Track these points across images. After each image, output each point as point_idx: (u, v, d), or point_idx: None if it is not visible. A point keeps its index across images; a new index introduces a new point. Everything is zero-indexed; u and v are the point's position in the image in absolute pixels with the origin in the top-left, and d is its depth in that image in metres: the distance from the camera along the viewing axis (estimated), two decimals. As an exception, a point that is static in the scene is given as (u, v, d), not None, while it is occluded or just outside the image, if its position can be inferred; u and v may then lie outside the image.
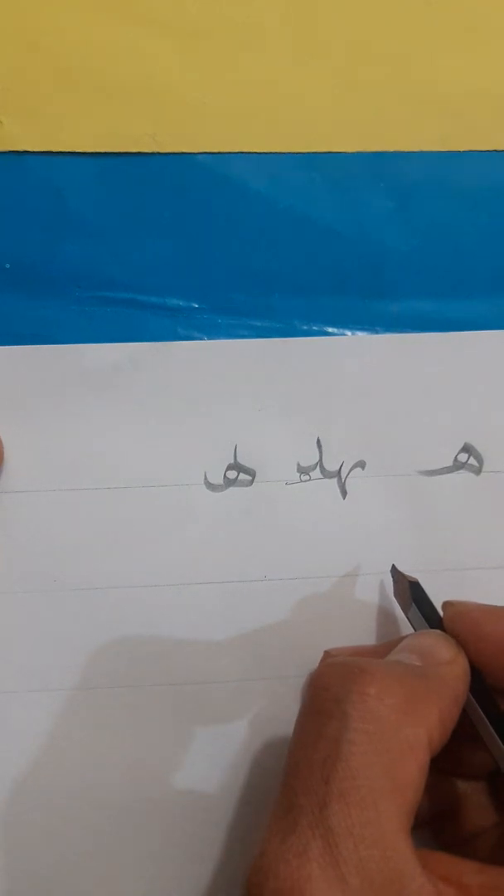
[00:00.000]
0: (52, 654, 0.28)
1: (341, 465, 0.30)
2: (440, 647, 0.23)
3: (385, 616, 0.28)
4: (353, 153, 0.31)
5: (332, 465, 0.30)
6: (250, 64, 0.31)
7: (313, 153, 0.31)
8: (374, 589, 0.28)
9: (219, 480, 0.29)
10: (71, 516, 0.29)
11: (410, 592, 0.25)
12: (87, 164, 0.31)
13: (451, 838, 0.24)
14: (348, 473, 0.29)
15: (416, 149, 0.31)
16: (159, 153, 0.31)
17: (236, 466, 0.29)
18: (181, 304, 0.31)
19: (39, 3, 0.31)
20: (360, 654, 0.25)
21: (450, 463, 0.30)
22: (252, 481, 0.29)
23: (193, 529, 0.29)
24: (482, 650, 0.23)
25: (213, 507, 0.29)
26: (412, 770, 0.19)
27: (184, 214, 0.31)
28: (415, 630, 0.25)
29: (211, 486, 0.29)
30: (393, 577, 0.27)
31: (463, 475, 0.30)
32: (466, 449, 0.30)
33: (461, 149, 0.31)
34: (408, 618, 0.26)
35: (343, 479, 0.29)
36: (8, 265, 0.31)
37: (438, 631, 0.24)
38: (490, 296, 0.31)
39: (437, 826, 0.25)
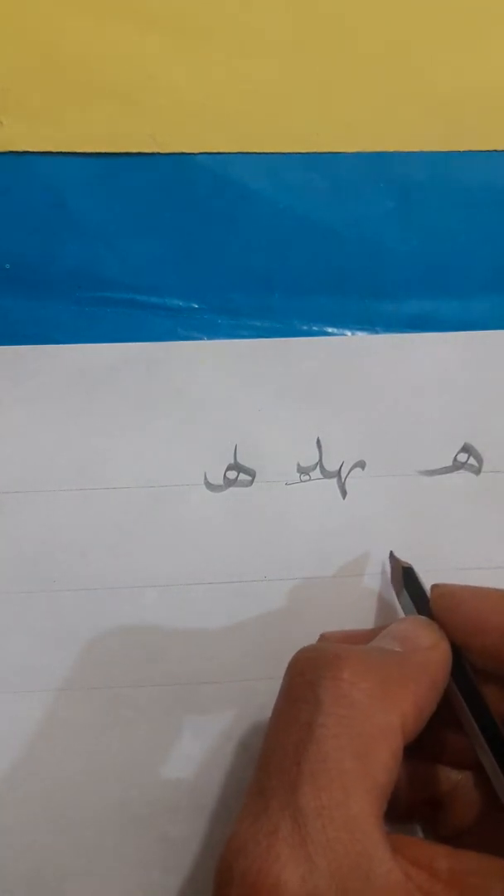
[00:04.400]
0: (51, 655, 0.28)
1: (341, 465, 0.30)
2: (421, 632, 0.23)
3: (385, 616, 0.28)
4: (353, 153, 0.31)
5: (332, 465, 0.30)
6: (250, 64, 0.31)
7: (313, 153, 0.31)
8: (374, 588, 0.28)
9: (219, 481, 0.29)
10: (71, 516, 0.29)
11: (402, 577, 0.26)
12: (87, 164, 0.31)
13: (443, 829, 0.24)
14: (348, 473, 0.29)
15: (416, 149, 0.31)
16: (159, 153, 0.31)
17: (236, 466, 0.29)
18: (181, 304, 0.31)
19: (40, 3, 0.31)
20: (353, 638, 0.25)
21: (450, 463, 0.30)
22: (252, 481, 0.29)
23: (193, 529, 0.29)
24: (467, 631, 0.23)
25: (213, 507, 0.29)
26: (384, 754, 0.19)
27: (184, 214, 0.31)
28: (405, 615, 0.25)
29: (211, 487, 0.29)
30: (390, 563, 0.28)
31: (463, 475, 0.30)
32: (466, 449, 0.30)
33: (461, 149, 0.31)
34: (399, 603, 0.26)
35: (343, 479, 0.29)
36: (8, 265, 0.31)
37: (422, 617, 0.24)
38: (490, 296, 0.31)
39: (427, 816, 0.25)
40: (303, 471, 0.29)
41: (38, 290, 0.30)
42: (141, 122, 0.31)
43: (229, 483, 0.29)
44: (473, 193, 0.31)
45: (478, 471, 0.30)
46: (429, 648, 0.22)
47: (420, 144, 0.31)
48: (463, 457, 0.30)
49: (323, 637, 0.26)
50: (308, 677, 0.20)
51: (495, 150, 0.31)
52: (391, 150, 0.31)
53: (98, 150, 0.31)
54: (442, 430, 0.30)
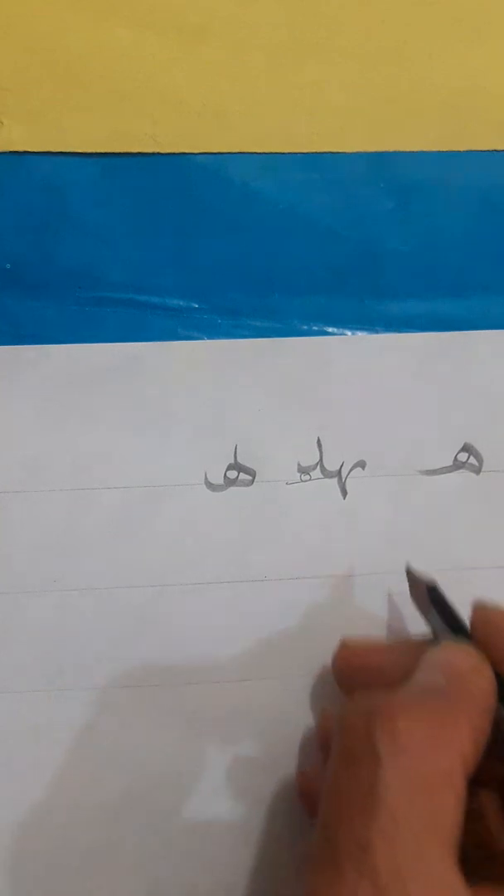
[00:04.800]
0: (52, 655, 0.28)
1: (341, 465, 0.30)
2: (463, 661, 0.22)
3: (386, 615, 0.28)
4: (353, 153, 0.31)
5: (332, 465, 0.30)
6: (250, 64, 0.31)
7: (313, 153, 0.31)
8: (374, 588, 0.28)
9: (219, 480, 0.29)
10: (71, 516, 0.29)
11: (428, 596, 0.25)
12: (87, 164, 0.31)
13: (477, 859, 0.23)
14: (349, 473, 0.29)
15: (416, 149, 0.31)
16: (159, 153, 0.31)
17: (237, 466, 0.29)
18: (181, 304, 0.31)
19: (40, 4, 0.31)
20: (374, 649, 0.24)
21: (450, 462, 0.30)
22: (252, 481, 0.29)
23: (194, 529, 0.29)
24: None
25: (213, 507, 0.29)
26: (450, 801, 0.19)
27: (184, 214, 0.31)
28: (434, 634, 0.25)
29: (211, 486, 0.29)
30: (409, 578, 0.26)
31: (463, 475, 0.30)
32: (466, 448, 0.30)
33: (461, 149, 0.31)
34: (426, 621, 0.25)
35: (343, 479, 0.29)
36: (8, 265, 0.31)
37: (461, 643, 0.23)
38: (490, 296, 0.31)
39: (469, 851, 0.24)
40: (303, 470, 0.29)
41: (38, 290, 0.30)
42: (141, 122, 0.31)
43: (229, 483, 0.29)
44: (473, 193, 0.31)
45: (478, 470, 0.30)
46: (474, 676, 0.21)
47: (420, 144, 0.31)
48: (463, 456, 0.30)
49: (343, 644, 0.26)
50: (361, 733, 0.20)
51: (495, 150, 0.31)
52: (391, 150, 0.31)
53: (98, 150, 0.31)
54: (442, 430, 0.30)
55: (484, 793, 0.23)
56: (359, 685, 0.25)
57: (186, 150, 0.31)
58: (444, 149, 0.31)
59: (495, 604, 0.24)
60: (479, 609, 0.24)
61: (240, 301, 0.31)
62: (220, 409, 0.30)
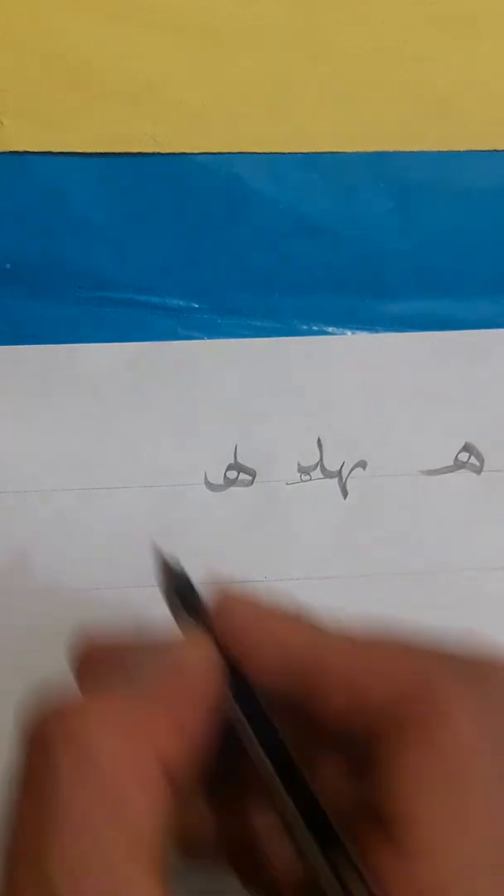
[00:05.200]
0: (52, 655, 0.28)
1: (342, 465, 0.30)
2: (186, 651, 0.20)
3: (386, 617, 0.28)
4: (353, 153, 0.31)
5: (332, 465, 0.29)
6: (250, 64, 0.31)
7: (313, 153, 0.31)
8: (374, 589, 0.28)
9: (219, 480, 0.29)
10: (71, 517, 0.29)
11: (170, 576, 0.22)
12: (87, 164, 0.31)
13: (261, 879, 0.21)
14: (349, 473, 0.29)
15: (416, 149, 0.31)
16: (160, 153, 0.31)
17: (237, 466, 0.29)
18: (181, 304, 0.31)
19: (40, 3, 0.31)
20: (117, 644, 0.21)
21: (450, 462, 0.30)
22: (252, 481, 0.29)
23: (193, 530, 0.29)
24: (250, 656, 0.20)
25: (213, 507, 0.29)
26: (140, 800, 0.17)
27: (184, 214, 0.31)
28: (175, 620, 0.22)
29: (211, 487, 0.29)
30: (154, 555, 0.23)
31: (464, 475, 0.30)
32: (467, 448, 0.30)
33: (461, 149, 0.31)
34: (168, 606, 0.22)
35: (344, 479, 0.29)
36: (8, 265, 0.31)
37: (190, 633, 0.21)
38: (490, 295, 0.31)
39: (245, 864, 0.21)
40: (303, 471, 0.29)
41: (38, 290, 0.30)
42: (141, 122, 0.31)
43: (229, 483, 0.29)
44: (473, 193, 0.31)
45: (479, 470, 0.30)
46: (191, 667, 0.19)
47: (420, 144, 0.31)
48: (464, 456, 0.30)
49: (84, 633, 0.22)
50: (38, 746, 0.18)
51: (495, 150, 0.31)
52: (391, 150, 0.31)
53: (98, 150, 0.31)
54: (443, 430, 0.30)
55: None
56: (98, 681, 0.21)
57: (186, 150, 0.31)
58: (444, 149, 0.31)
59: (241, 590, 0.21)
60: (219, 595, 0.21)
61: (240, 301, 0.31)
62: (220, 409, 0.30)
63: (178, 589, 0.22)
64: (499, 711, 0.18)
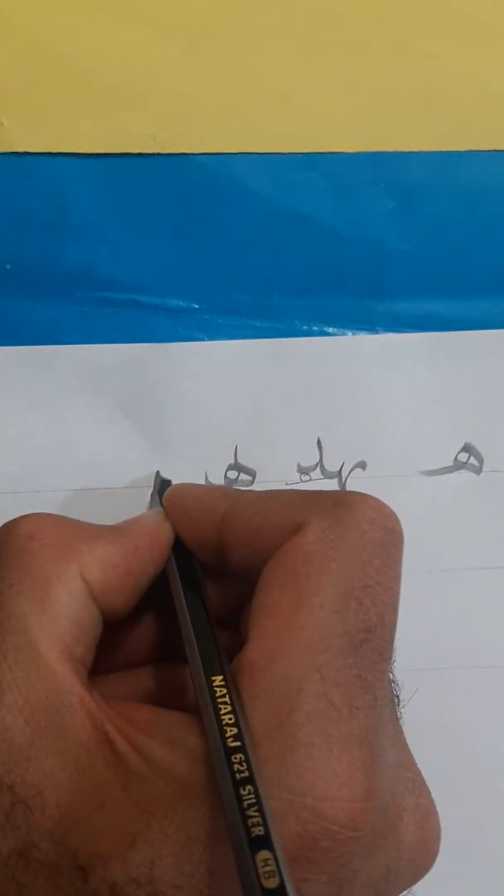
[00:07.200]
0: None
1: (342, 466, 0.30)
2: (143, 517, 0.24)
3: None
4: (353, 153, 0.31)
5: (332, 466, 0.30)
6: (251, 64, 0.31)
7: (313, 153, 0.31)
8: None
9: (219, 481, 0.29)
10: (70, 517, 0.29)
11: (159, 487, 0.26)
12: (87, 165, 0.31)
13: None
14: (349, 474, 0.30)
15: (416, 149, 0.31)
16: (160, 154, 0.31)
17: (237, 467, 0.29)
18: (181, 304, 0.31)
19: (40, 4, 0.31)
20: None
21: (450, 463, 0.30)
22: (253, 482, 0.29)
23: (194, 530, 0.29)
24: (184, 517, 0.23)
25: (213, 507, 0.29)
26: (63, 597, 0.20)
27: (184, 215, 0.31)
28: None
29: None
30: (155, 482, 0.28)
31: (463, 475, 0.30)
32: (467, 449, 0.30)
33: (461, 149, 0.31)
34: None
35: (343, 480, 0.29)
36: (9, 266, 0.31)
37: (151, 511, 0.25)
38: (490, 295, 0.31)
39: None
40: (303, 471, 0.29)
41: (38, 291, 0.30)
42: (141, 122, 0.31)
43: (230, 483, 0.29)
44: (473, 193, 0.31)
45: (478, 470, 0.30)
46: (137, 522, 0.23)
47: (420, 144, 0.31)
48: (464, 456, 0.30)
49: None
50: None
51: (495, 150, 0.31)
52: (391, 150, 0.31)
53: (98, 150, 0.31)
54: (442, 430, 0.30)
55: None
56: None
57: (186, 150, 0.31)
58: (444, 149, 0.31)
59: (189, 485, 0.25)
60: (171, 491, 0.25)
61: (240, 301, 0.31)
62: (221, 409, 0.30)
63: (160, 490, 0.26)
64: (348, 528, 0.20)
